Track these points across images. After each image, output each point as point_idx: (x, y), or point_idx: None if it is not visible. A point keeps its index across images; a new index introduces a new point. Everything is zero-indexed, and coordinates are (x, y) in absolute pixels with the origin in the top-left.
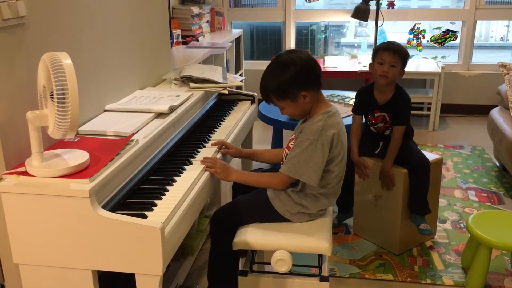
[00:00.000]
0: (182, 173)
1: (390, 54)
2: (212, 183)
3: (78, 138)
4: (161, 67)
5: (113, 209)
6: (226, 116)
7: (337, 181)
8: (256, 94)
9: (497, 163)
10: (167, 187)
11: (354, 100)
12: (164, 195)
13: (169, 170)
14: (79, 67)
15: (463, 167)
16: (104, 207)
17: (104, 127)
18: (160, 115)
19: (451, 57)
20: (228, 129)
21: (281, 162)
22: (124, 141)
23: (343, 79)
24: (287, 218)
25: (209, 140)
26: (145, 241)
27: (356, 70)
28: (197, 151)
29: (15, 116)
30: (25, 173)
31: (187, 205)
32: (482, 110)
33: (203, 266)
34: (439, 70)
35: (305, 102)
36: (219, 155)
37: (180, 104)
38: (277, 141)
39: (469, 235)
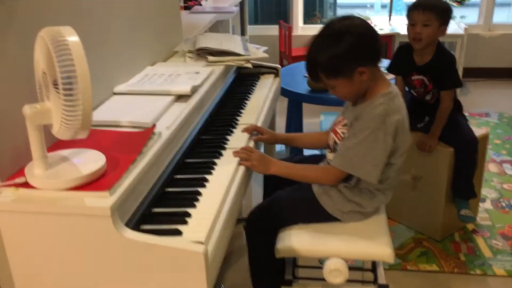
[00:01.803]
0: (214, 169)
1: (420, 12)
2: (248, 178)
3: None
4: (171, 38)
5: (137, 224)
6: (250, 94)
7: (397, 174)
8: (279, 66)
9: None
10: (199, 190)
11: None
12: (198, 200)
13: (198, 167)
14: (83, 42)
15: (493, 137)
16: (127, 222)
17: (117, 116)
18: (180, 97)
19: (470, 17)
20: (256, 109)
21: (327, 149)
22: (146, 135)
23: None
24: (337, 217)
25: (237, 124)
26: (184, 267)
27: None
28: (226, 140)
29: (8, 111)
30: (26, 185)
31: (227, 212)
32: (506, 73)
33: (229, 265)
34: (462, 32)
35: (362, 80)
36: (251, 143)
37: (202, 83)
38: (296, 116)
39: None
